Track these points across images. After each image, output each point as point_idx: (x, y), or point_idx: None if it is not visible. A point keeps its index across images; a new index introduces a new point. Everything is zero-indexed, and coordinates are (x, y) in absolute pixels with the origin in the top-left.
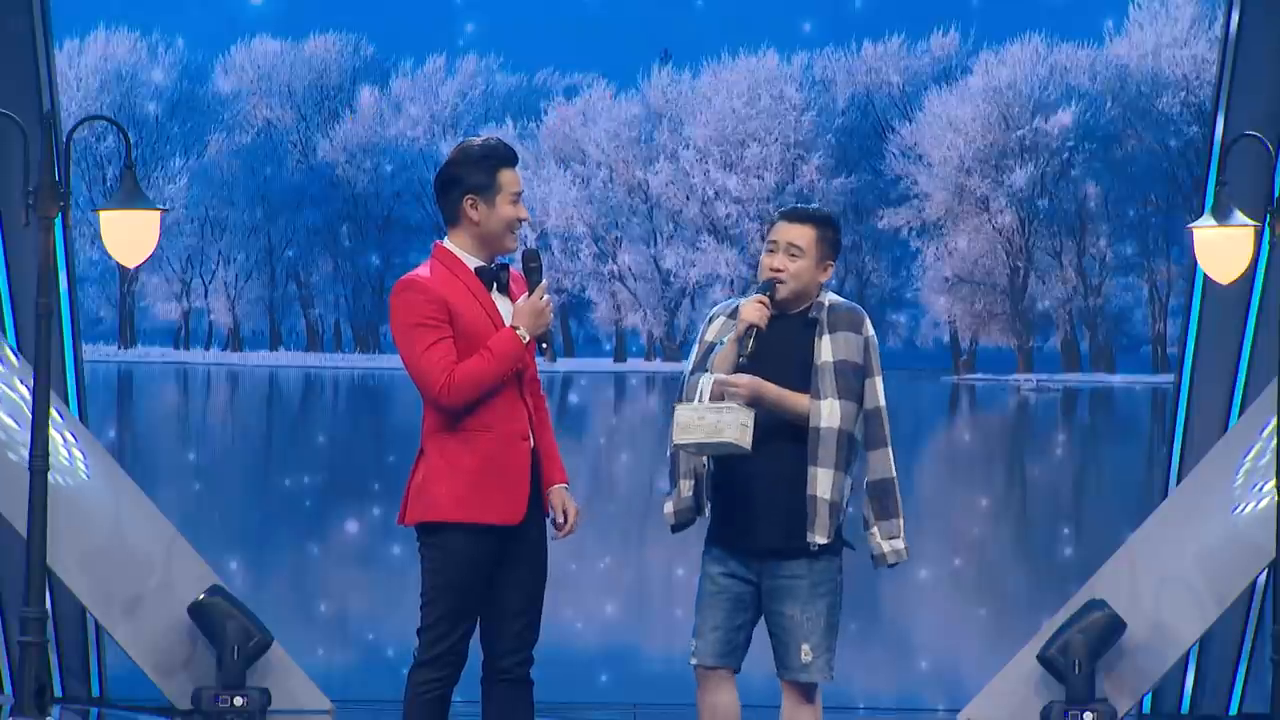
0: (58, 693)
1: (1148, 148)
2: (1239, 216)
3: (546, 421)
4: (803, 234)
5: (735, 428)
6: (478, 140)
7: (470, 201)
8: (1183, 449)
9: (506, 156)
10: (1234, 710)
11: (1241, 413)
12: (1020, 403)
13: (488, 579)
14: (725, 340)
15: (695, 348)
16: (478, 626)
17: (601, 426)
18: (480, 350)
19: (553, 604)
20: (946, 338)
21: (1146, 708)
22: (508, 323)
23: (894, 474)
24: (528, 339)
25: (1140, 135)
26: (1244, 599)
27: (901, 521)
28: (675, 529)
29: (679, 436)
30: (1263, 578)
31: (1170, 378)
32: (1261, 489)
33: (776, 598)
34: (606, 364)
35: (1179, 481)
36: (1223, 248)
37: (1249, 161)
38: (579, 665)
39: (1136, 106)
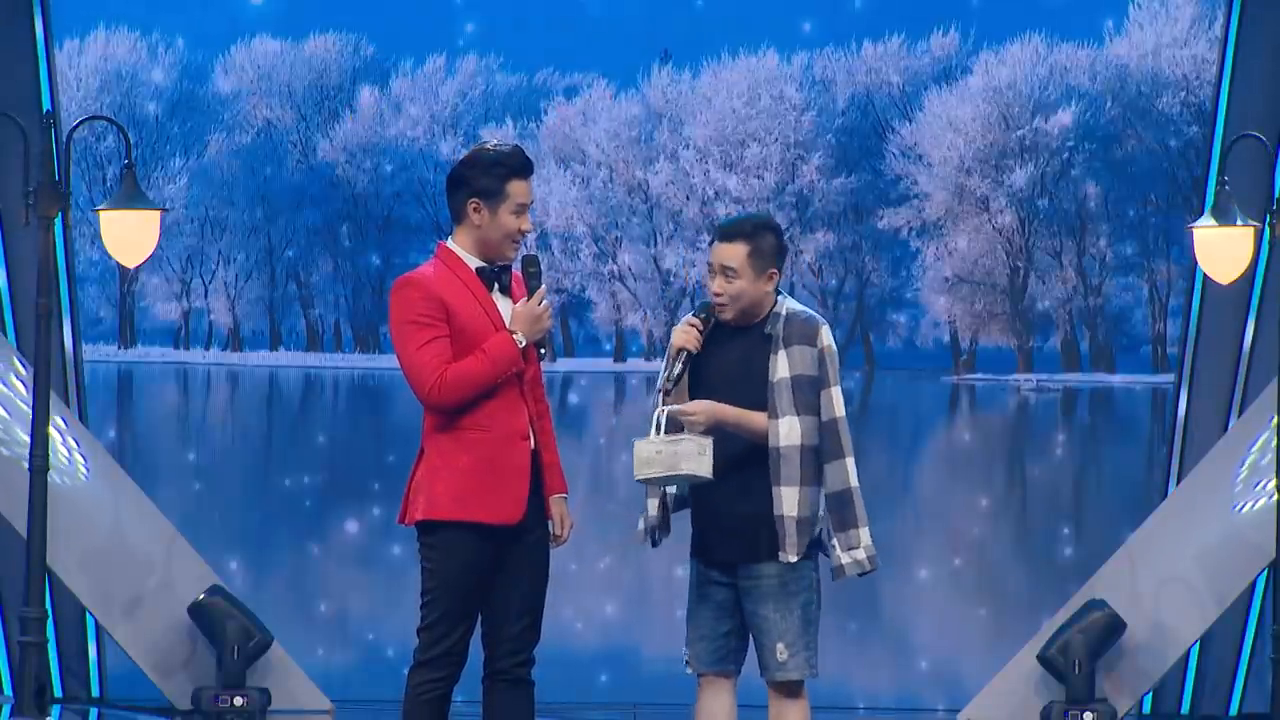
0: (58, 693)
1: (1148, 148)
2: (1239, 216)
3: (548, 427)
4: (734, 253)
5: (692, 458)
6: (494, 145)
7: (474, 205)
8: (1183, 449)
9: (520, 167)
10: (1234, 710)
11: (1241, 413)
12: (1020, 403)
13: (488, 579)
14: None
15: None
16: (478, 626)
17: (601, 426)
18: (475, 352)
19: (553, 604)
20: (946, 338)
21: (1146, 708)
22: (507, 324)
23: (853, 484)
24: (524, 344)
25: (1140, 135)
26: (1244, 599)
27: (863, 530)
28: (652, 544)
29: (640, 471)
30: (1263, 578)
31: (1170, 378)
32: (1262, 489)
33: (752, 599)
34: (606, 364)
35: (1179, 481)
36: (1223, 248)
37: (1249, 161)
38: (579, 665)
39: (1136, 106)
